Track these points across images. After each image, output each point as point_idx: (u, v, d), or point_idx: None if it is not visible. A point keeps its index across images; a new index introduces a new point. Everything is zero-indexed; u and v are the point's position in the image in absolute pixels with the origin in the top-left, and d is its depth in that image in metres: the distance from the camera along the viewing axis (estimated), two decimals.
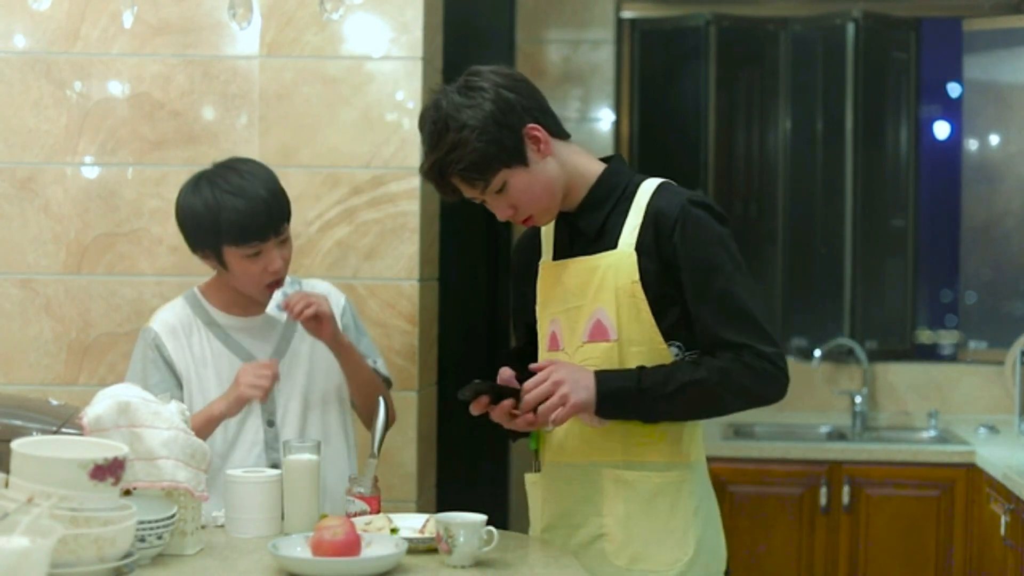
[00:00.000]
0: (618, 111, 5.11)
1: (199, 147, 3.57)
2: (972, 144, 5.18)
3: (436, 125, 2.39)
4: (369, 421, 2.97)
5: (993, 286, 5.15)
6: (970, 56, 5.12)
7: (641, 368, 2.38)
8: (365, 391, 2.96)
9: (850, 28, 5.05)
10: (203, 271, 3.01)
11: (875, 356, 4.97)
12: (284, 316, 2.85)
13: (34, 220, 3.60)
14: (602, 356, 2.41)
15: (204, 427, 2.74)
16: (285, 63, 3.58)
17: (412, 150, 3.56)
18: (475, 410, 2.40)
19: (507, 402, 2.38)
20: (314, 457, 2.58)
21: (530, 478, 2.62)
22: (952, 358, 5.10)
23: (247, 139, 3.58)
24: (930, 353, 5.14)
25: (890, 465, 4.33)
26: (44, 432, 2.31)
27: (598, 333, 2.42)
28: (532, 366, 2.40)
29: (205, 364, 2.88)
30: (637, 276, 2.39)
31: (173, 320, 2.91)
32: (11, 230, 3.60)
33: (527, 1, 5.05)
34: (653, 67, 5.21)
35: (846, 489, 4.28)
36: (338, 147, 3.57)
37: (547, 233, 2.58)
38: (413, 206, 3.56)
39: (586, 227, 2.47)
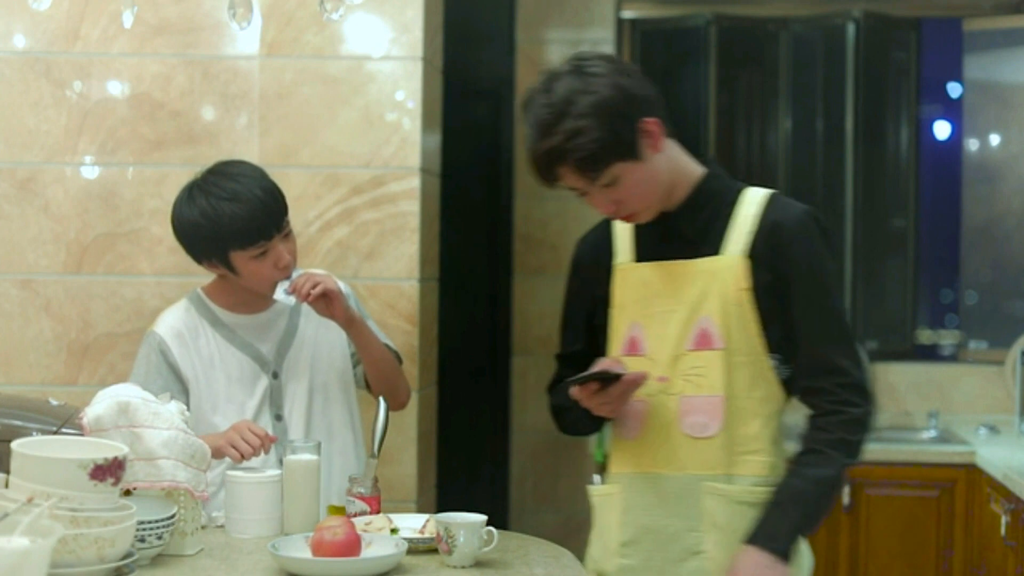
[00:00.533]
0: None
1: (199, 147, 3.57)
2: (972, 144, 5.18)
3: (551, 110, 2.22)
4: (382, 396, 2.97)
5: (993, 286, 5.15)
6: (970, 56, 5.12)
7: (781, 500, 2.29)
8: (380, 367, 2.95)
9: (850, 28, 5.05)
10: (202, 271, 3.01)
11: (875, 356, 4.97)
12: (292, 300, 2.83)
13: (34, 220, 3.60)
14: (708, 365, 2.32)
15: None
16: (285, 63, 3.58)
17: (412, 150, 3.56)
18: (580, 393, 2.30)
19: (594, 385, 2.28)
20: (314, 457, 2.58)
21: (600, 489, 2.47)
22: (952, 358, 5.10)
23: (247, 139, 3.58)
24: (930, 353, 5.14)
25: (890, 465, 4.32)
26: (44, 432, 2.31)
27: (704, 341, 2.32)
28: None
29: (213, 365, 2.87)
30: (746, 284, 2.30)
31: (179, 324, 2.89)
32: (11, 230, 3.60)
33: (527, 1, 5.05)
34: (653, 67, 5.21)
35: (846, 489, 4.28)
36: (338, 147, 3.57)
37: (623, 232, 2.44)
38: (413, 206, 3.56)
39: (687, 229, 2.36)
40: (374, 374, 2.96)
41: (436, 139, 3.78)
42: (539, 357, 5.01)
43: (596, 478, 2.54)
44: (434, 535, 2.35)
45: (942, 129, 5.36)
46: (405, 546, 2.27)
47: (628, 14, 5.16)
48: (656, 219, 2.37)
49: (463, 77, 4.70)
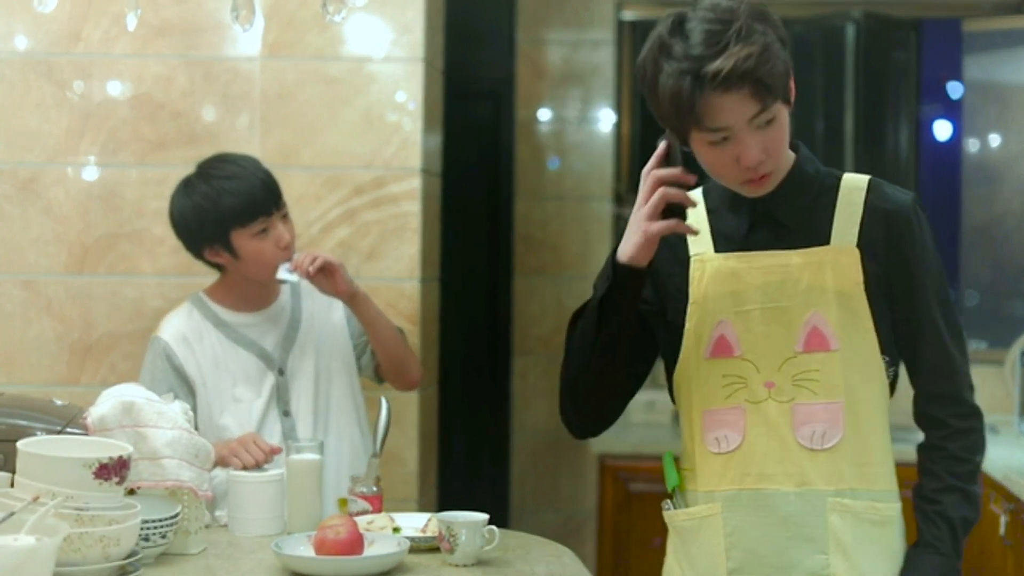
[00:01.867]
0: (618, 111, 5.11)
1: (200, 148, 3.57)
2: (972, 144, 5.18)
3: (736, 19, 1.98)
4: (393, 376, 3.01)
5: (993, 286, 5.16)
6: (970, 56, 5.13)
7: (946, 551, 2.13)
8: (388, 342, 2.96)
9: (850, 28, 5.06)
10: (204, 271, 3.02)
11: None
12: (295, 277, 2.85)
13: (36, 221, 3.61)
14: (823, 368, 2.10)
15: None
16: (286, 64, 3.59)
17: (413, 151, 3.57)
18: (663, 171, 2.00)
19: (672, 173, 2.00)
20: (317, 457, 2.59)
21: (695, 511, 2.15)
22: None
23: (248, 140, 3.58)
24: None
25: None
26: (48, 432, 2.32)
27: (816, 342, 2.10)
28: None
29: (218, 366, 2.88)
30: (861, 277, 2.11)
31: (183, 327, 2.91)
32: (13, 231, 3.61)
33: (527, 1, 5.06)
34: None
35: None
36: (339, 148, 3.58)
37: (693, 221, 2.11)
38: (414, 207, 3.57)
39: (785, 216, 2.14)
40: (382, 350, 2.97)
41: (437, 140, 3.79)
42: (539, 357, 5.01)
43: (668, 504, 2.21)
44: (436, 534, 2.36)
45: (942, 129, 5.37)
46: (407, 545, 2.28)
47: (628, 15, 5.17)
48: (741, 205, 2.16)
49: (463, 78, 4.71)
